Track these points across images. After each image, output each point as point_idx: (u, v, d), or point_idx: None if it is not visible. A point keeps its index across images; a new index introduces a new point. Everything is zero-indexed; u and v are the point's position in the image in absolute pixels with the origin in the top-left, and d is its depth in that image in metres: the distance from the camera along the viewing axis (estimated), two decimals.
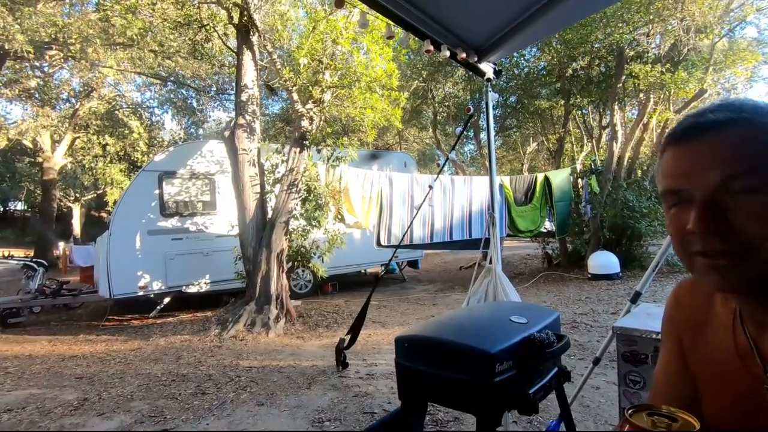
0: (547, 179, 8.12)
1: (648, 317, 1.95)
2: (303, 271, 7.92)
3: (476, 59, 2.23)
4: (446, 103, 13.06)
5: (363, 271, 9.73)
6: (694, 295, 0.81)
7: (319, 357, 4.38)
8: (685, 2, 6.79)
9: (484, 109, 2.57)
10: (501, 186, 7.73)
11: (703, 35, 7.20)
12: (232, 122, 6.12)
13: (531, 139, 14.84)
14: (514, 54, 9.57)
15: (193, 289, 6.94)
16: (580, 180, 8.87)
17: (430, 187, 3.19)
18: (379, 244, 5.94)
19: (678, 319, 0.86)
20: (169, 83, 14.62)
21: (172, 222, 6.96)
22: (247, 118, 5.97)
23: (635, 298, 2.12)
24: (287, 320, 5.75)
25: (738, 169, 0.53)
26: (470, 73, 8.86)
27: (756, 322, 0.64)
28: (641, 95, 8.30)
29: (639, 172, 10.46)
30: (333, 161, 6.14)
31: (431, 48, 1.99)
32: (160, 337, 5.45)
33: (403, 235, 4.73)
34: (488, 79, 2.39)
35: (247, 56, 6.08)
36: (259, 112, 6.35)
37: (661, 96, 8.25)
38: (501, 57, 2.43)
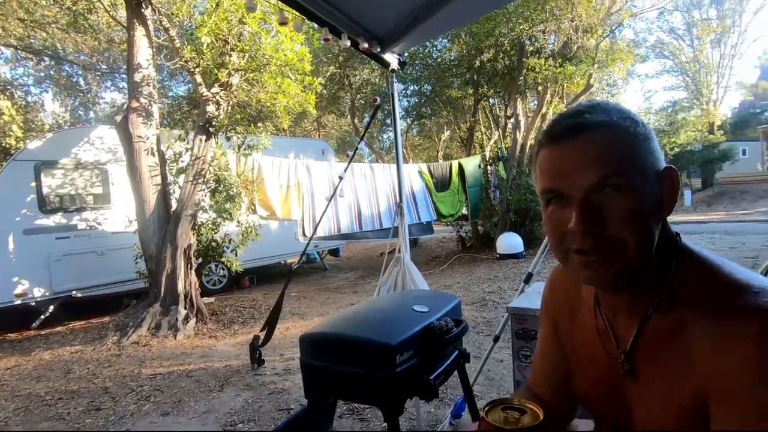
0: (461, 166, 8.57)
1: (538, 296, 2.11)
2: (216, 266, 7.47)
3: (379, 50, 2.21)
4: (363, 90, 13.02)
5: (283, 262, 9.47)
6: (567, 280, 0.86)
7: (233, 356, 4.18)
8: (575, 3, 7.48)
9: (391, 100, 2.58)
10: (420, 173, 7.99)
11: (590, 35, 8.00)
12: (125, 106, 5.48)
13: (445, 127, 15.43)
14: (427, 44, 9.80)
15: (85, 293, 6.19)
16: (489, 166, 9.49)
17: (340, 178, 3.16)
18: (304, 236, 5.74)
19: (553, 303, 0.92)
20: (45, 58, 12.60)
21: (56, 219, 6.10)
22: (142, 101, 5.37)
23: (528, 278, 2.30)
24: (198, 320, 5.39)
25: (611, 170, 0.55)
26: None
27: (609, 305, 0.71)
28: (539, 88, 9.03)
29: None
30: (244, 150, 5.81)
31: (330, 37, 1.92)
32: (44, 350, 4.79)
33: (317, 225, 4.64)
34: (393, 70, 2.40)
35: (139, 32, 5.44)
36: (156, 94, 5.76)
37: (556, 89, 9.05)
38: (405, 48, 2.44)
